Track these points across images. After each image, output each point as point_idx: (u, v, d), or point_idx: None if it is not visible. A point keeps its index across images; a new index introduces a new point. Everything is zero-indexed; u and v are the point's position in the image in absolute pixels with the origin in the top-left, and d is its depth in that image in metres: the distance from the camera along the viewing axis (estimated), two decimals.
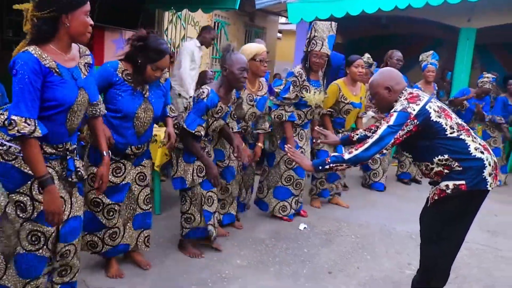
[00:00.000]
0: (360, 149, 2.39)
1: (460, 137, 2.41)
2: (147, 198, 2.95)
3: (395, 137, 2.35)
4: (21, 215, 2.08)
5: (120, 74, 2.63)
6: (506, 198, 5.58)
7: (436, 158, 2.42)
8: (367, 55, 5.15)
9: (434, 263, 2.57)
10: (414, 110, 2.37)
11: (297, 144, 4.02)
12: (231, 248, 3.48)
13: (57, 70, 2.00)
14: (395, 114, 2.39)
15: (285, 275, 3.12)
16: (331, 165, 2.44)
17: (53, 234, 2.16)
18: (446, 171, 2.41)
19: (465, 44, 7.53)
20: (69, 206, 2.23)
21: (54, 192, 2.02)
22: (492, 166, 2.41)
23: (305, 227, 4.01)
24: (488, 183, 2.38)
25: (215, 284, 2.92)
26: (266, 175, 4.16)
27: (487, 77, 6.14)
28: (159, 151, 3.83)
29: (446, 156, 2.39)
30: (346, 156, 2.41)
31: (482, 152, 2.40)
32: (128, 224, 2.92)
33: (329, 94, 4.29)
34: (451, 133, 2.40)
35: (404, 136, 2.37)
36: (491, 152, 2.47)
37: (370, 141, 2.38)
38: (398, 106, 2.43)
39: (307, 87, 3.92)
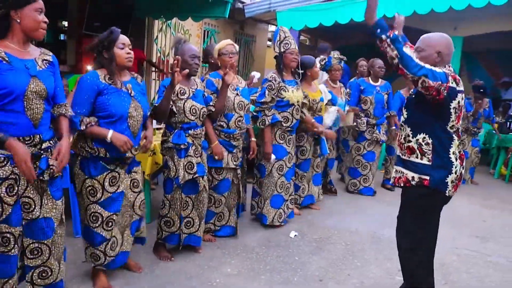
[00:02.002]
0: (416, 59, 2.36)
1: (453, 136, 2.51)
2: (142, 203, 2.96)
3: (431, 82, 2.31)
4: None
5: (103, 80, 2.65)
6: (494, 204, 5.64)
7: (421, 135, 2.52)
8: (336, 53, 5.19)
9: (416, 270, 2.68)
10: (452, 83, 2.42)
11: (285, 149, 4.04)
12: (222, 256, 3.47)
13: (6, 59, 2.10)
14: (440, 70, 2.41)
15: (276, 282, 3.11)
16: (386, 39, 2.31)
17: (19, 233, 2.21)
18: (418, 153, 2.52)
19: None
20: (39, 206, 2.27)
21: (13, 142, 2.08)
22: (457, 176, 2.54)
23: (295, 235, 4.01)
24: (448, 189, 2.51)
25: None
26: (260, 187, 4.14)
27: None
28: (149, 159, 3.82)
29: (430, 141, 2.50)
30: (406, 49, 2.35)
31: (456, 159, 2.53)
32: (126, 231, 2.91)
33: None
34: (450, 128, 2.49)
35: (433, 92, 2.35)
36: (463, 163, 2.61)
37: (422, 63, 2.36)
38: (442, 69, 2.46)
39: (284, 87, 3.98)
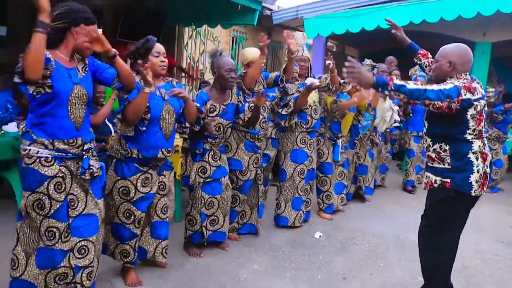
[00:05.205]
0: (421, 87, 2.40)
1: (472, 140, 2.57)
2: (164, 207, 3.06)
3: (440, 103, 2.41)
4: (40, 213, 2.33)
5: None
6: None
7: (438, 144, 2.62)
8: (369, 60, 5.28)
9: (435, 271, 2.78)
10: (464, 95, 2.48)
11: (306, 153, 4.16)
12: (249, 254, 3.61)
13: (54, 66, 2.26)
14: (451, 85, 2.49)
15: (301, 280, 3.24)
16: (391, 91, 2.39)
17: (65, 228, 2.39)
18: (437, 160, 2.63)
19: (480, 58, 7.58)
20: (84, 203, 2.46)
21: None
22: (481, 175, 2.59)
23: (320, 236, 4.12)
24: (473, 189, 2.57)
25: (233, 287, 3.05)
26: (280, 191, 4.26)
27: (491, 92, 6.53)
28: (180, 161, 3.99)
29: (447, 147, 2.60)
30: (410, 86, 2.39)
31: (477, 159, 2.58)
32: (146, 229, 3.05)
33: (326, 100, 4.49)
34: (470, 133, 2.56)
35: (445, 109, 2.45)
36: (487, 161, 2.63)
37: (428, 86, 2.44)
38: (455, 81, 2.53)
39: (297, 89, 4.09)
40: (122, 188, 2.84)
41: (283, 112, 4.03)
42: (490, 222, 4.97)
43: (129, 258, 2.95)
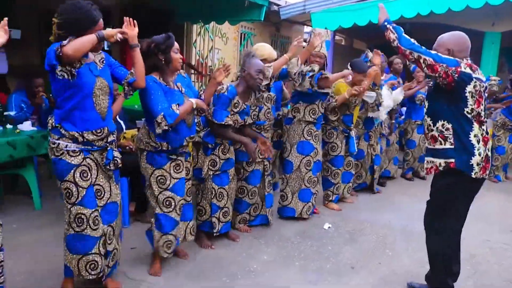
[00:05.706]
0: (414, 42, 2.64)
1: (472, 120, 2.62)
2: (189, 190, 3.23)
3: (433, 61, 2.55)
4: (68, 201, 2.49)
5: (161, 82, 2.90)
6: None
7: (441, 122, 2.66)
8: (370, 53, 5.31)
9: (436, 258, 2.82)
10: (464, 68, 2.57)
11: (312, 145, 4.22)
12: (258, 245, 3.69)
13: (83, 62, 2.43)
14: (452, 58, 2.61)
15: (310, 270, 3.31)
16: (389, 28, 2.73)
17: (93, 215, 2.53)
18: (440, 139, 2.66)
19: (490, 48, 7.54)
20: (109, 192, 2.64)
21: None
22: (482, 157, 2.62)
23: (329, 227, 4.18)
24: (473, 171, 2.60)
25: (244, 277, 3.13)
26: (286, 183, 4.33)
27: (494, 80, 6.50)
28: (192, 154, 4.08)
29: (449, 126, 2.63)
30: (404, 34, 2.68)
31: (478, 142, 2.62)
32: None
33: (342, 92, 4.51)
34: (467, 113, 2.60)
35: (441, 73, 2.54)
36: (488, 145, 2.68)
37: (415, 42, 2.65)
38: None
39: None
40: (160, 177, 2.97)
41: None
42: (497, 211, 4.98)
43: (172, 248, 3.08)
